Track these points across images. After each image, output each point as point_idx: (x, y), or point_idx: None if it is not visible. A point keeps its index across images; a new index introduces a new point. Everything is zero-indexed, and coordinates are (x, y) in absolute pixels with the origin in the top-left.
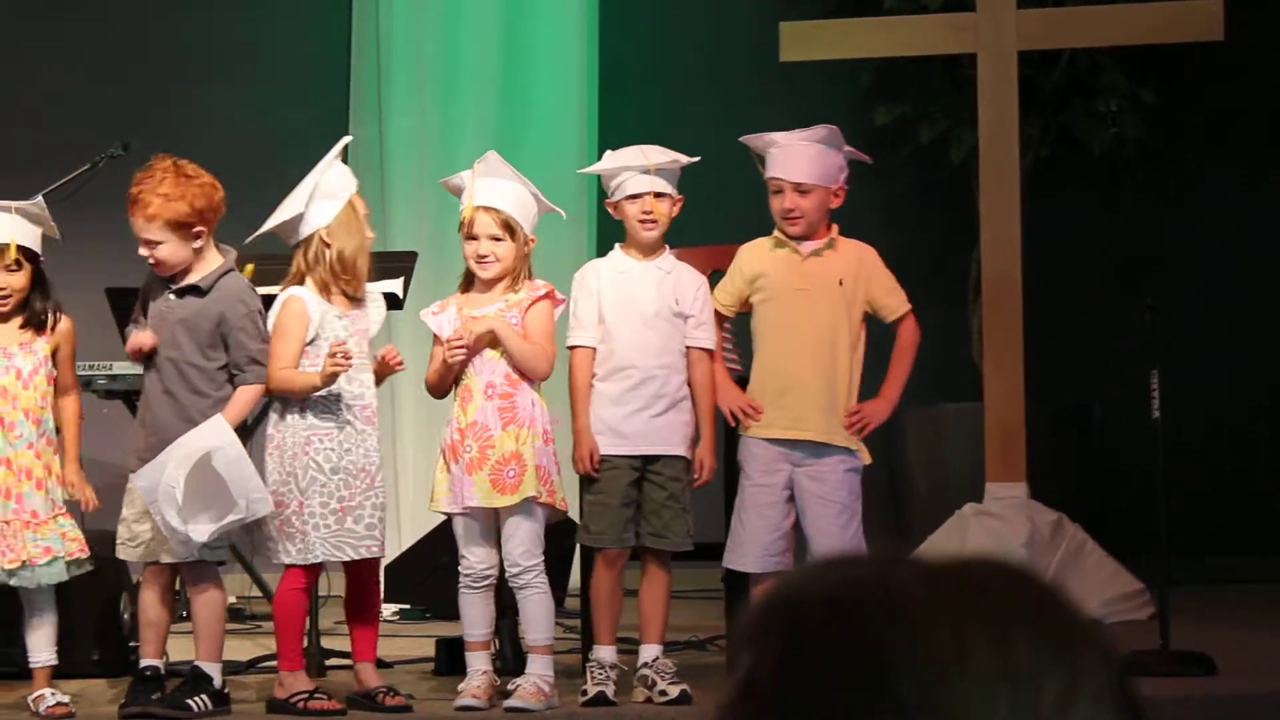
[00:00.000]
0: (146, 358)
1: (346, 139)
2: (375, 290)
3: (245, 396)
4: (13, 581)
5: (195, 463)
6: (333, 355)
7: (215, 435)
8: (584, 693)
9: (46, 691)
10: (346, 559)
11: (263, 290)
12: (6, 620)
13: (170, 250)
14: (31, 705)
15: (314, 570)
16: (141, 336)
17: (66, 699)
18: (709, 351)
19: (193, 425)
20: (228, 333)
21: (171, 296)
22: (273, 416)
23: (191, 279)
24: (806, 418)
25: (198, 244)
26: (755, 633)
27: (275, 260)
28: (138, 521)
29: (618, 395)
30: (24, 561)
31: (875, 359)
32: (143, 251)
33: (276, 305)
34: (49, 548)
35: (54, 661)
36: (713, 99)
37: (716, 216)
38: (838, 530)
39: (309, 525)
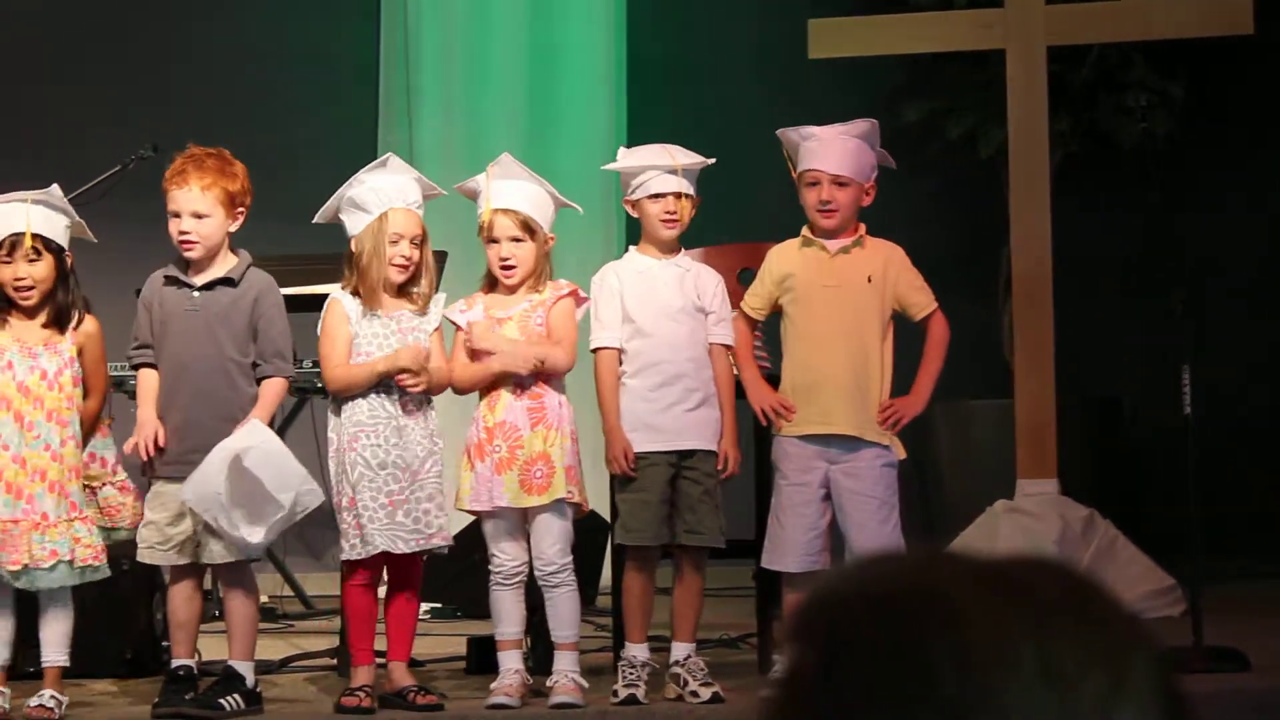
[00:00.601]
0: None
1: (386, 155)
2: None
3: (274, 390)
4: (17, 584)
5: (230, 466)
6: (419, 349)
7: (250, 435)
8: (615, 693)
9: (47, 692)
10: (400, 551)
11: (290, 291)
12: (31, 621)
13: (212, 227)
14: (29, 703)
15: (375, 565)
16: (148, 434)
17: (53, 705)
18: (728, 347)
19: (232, 424)
20: (258, 321)
21: (196, 294)
22: (330, 420)
23: (217, 273)
24: (838, 413)
25: (234, 227)
26: (798, 631)
27: (304, 261)
28: (171, 524)
29: (650, 391)
30: (25, 565)
31: (906, 357)
32: (185, 227)
33: (324, 311)
34: (55, 551)
35: (63, 663)
36: (740, 97)
37: (744, 214)
38: (876, 526)
39: (364, 519)
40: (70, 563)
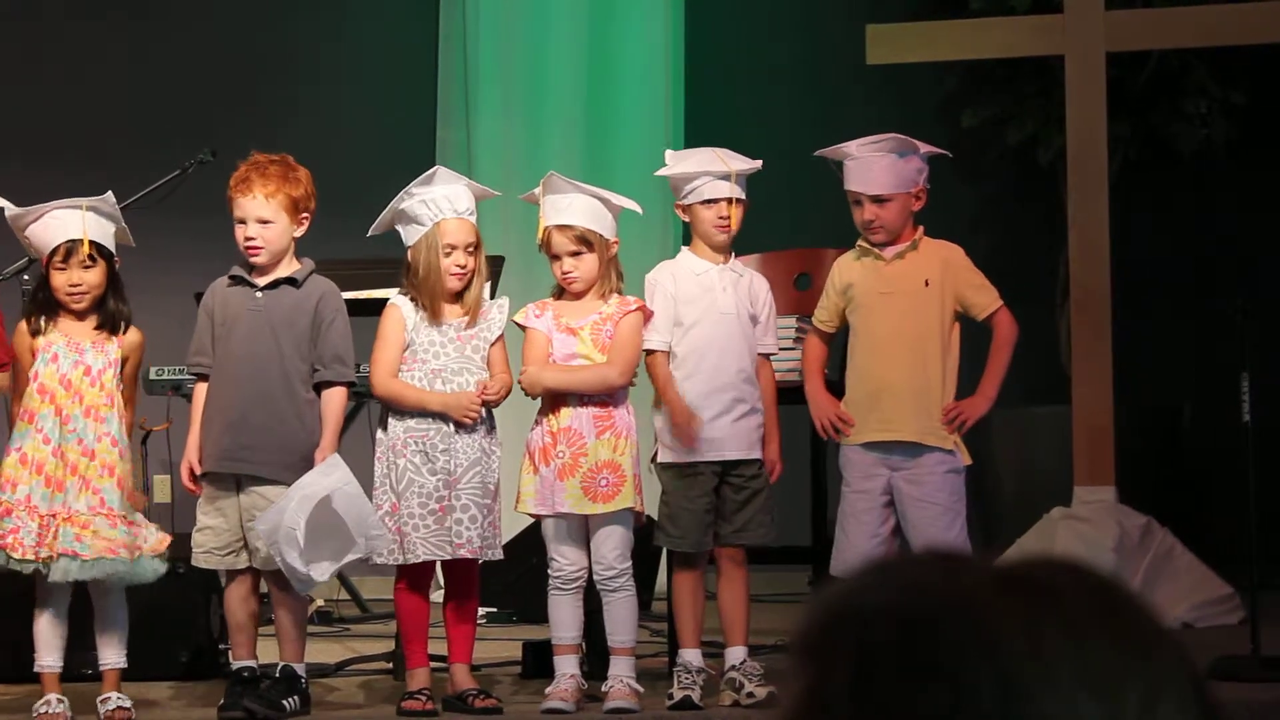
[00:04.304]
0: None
1: (434, 169)
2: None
3: (337, 402)
4: (25, 571)
5: (316, 504)
6: (478, 398)
7: (334, 475)
8: (670, 696)
9: (113, 695)
10: (447, 557)
11: (349, 295)
12: (84, 624)
13: (277, 233)
14: (99, 706)
15: (425, 569)
16: (193, 459)
17: (129, 703)
18: (769, 356)
19: (284, 425)
20: (320, 323)
21: (259, 294)
22: (381, 420)
23: (281, 274)
24: (898, 419)
25: (299, 232)
26: (821, 646)
27: (364, 265)
28: (229, 529)
29: (697, 399)
30: (47, 557)
31: (972, 360)
32: (250, 233)
33: (382, 315)
34: (74, 546)
35: (122, 664)
36: (801, 101)
37: (804, 219)
38: (939, 532)
39: (408, 526)
40: (77, 557)
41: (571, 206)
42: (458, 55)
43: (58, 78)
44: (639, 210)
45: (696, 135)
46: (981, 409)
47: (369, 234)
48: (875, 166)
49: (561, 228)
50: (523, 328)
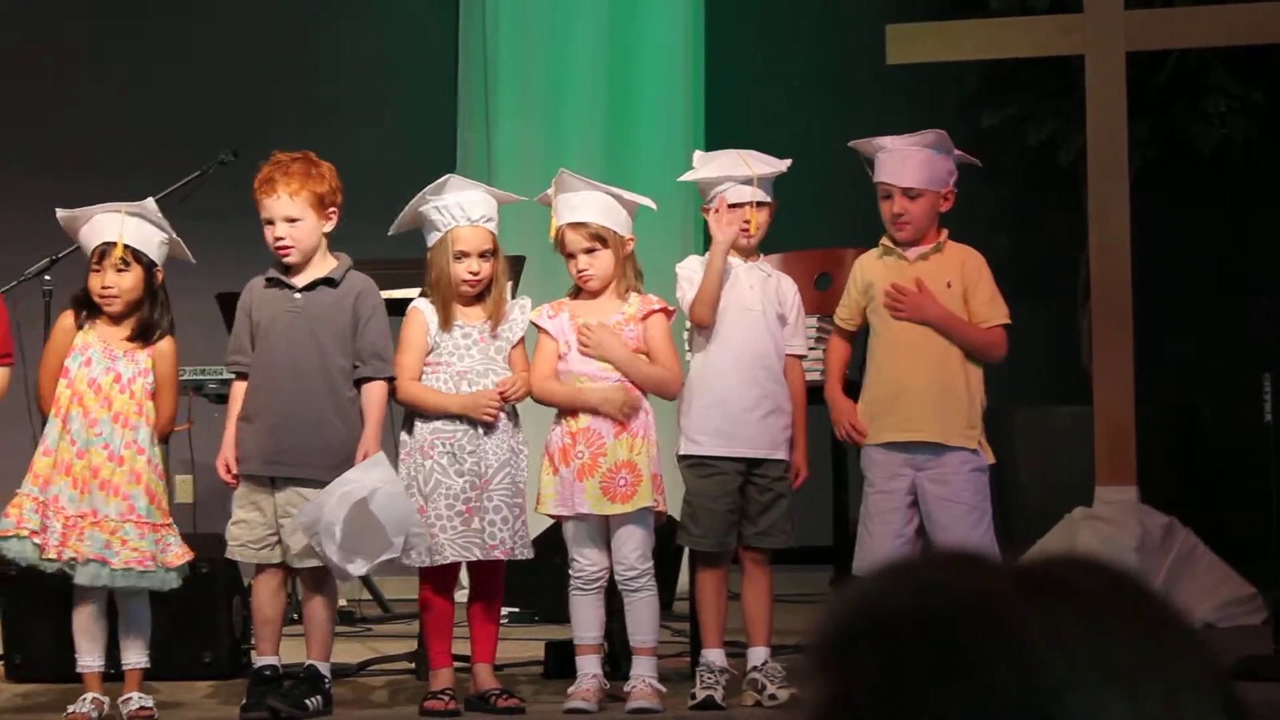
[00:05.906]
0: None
1: (445, 177)
2: (521, 299)
3: (378, 398)
4: (49, 570)
5: (356, 502)
6: (497, 395)
7: (375, 474)
8: (693, 696)
9: (134, 695)
10: (475, 559)
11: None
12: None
13: (306, 231)
14: (120, 707)
15: (451, 569)
16: (228, 456)
17: (150, 702)
18: (801, 358)
19: (336, 427)
20: (358, 319)
21: (297, 295)
22: (405, 421)
23: (318, 274)
24: (917, 419)
25: (328, 228)
26: (843, 649)
27: (389, 265)
28: (264, 524)
29: (724, 393)
30: (71, 559)
31: (993, 363)
32: (279, 233)
33: (405, 319)
34: (98, 550)
35: (144, 664)
36: (821, 102)
37: (825, 219)
38: (965, 531)
39: (435, 527)
40: (106, 563)
41: (584, 204)
42: (477, 57)
43: (76, 80)
44: (653, 206)
45: (717, 137)
46: (930, 300)
47: (390, 234)
48: (910, 160)
49: (575, 225)
50: (539, 329)
